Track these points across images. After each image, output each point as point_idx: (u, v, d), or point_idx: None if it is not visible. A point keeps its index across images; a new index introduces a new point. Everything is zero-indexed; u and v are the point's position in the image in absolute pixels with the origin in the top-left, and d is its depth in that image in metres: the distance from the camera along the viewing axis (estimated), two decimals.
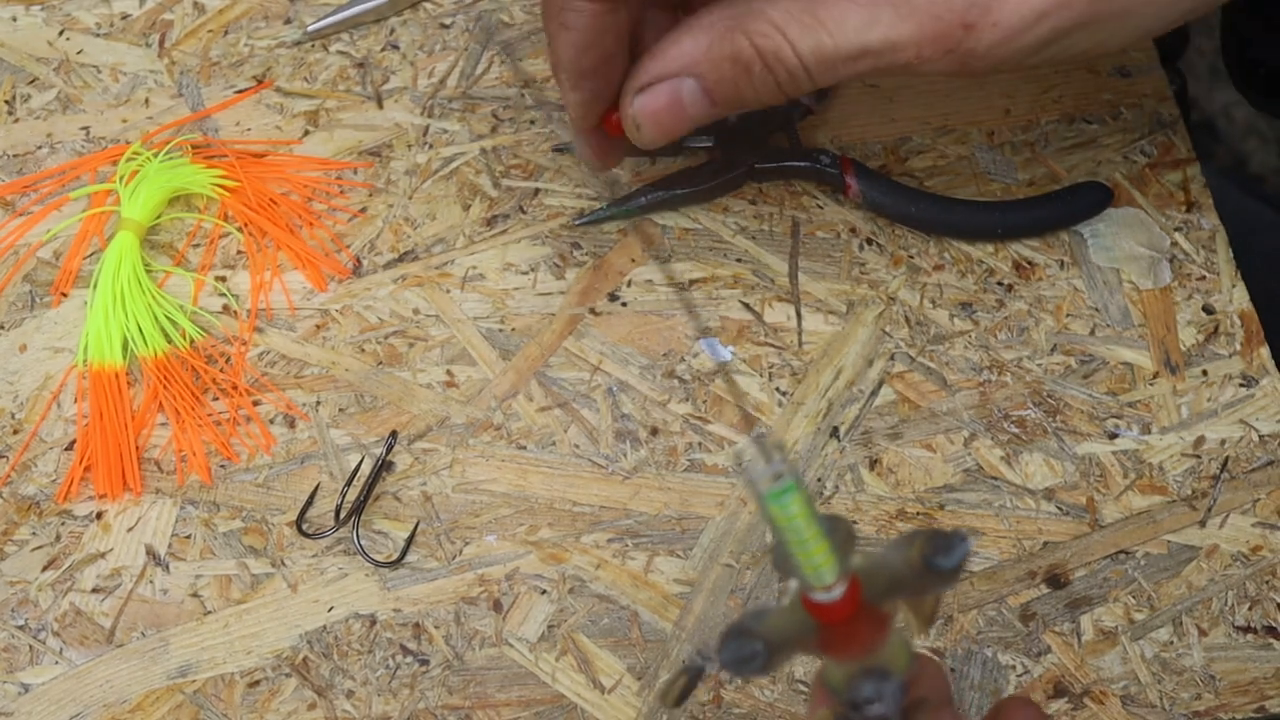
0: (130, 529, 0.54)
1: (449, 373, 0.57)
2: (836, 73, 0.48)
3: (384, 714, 0.51)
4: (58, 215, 0.61)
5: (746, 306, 0.58)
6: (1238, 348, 0.57)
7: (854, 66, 0.47)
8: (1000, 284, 0.58)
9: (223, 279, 0.59)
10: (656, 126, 0.50)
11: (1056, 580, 0.52)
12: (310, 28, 0.65)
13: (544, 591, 0.53)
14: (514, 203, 0.61)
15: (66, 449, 0.56)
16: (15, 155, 0.62)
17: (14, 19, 0.66)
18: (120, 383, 0.57)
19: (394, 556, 0.53)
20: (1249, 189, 0.86)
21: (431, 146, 0.62)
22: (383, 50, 0.65)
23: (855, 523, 0.53)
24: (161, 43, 0.65)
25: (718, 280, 0.59)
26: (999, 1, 0.46)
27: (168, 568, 0.53)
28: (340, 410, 0.56)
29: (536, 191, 0.61)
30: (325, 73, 0.64)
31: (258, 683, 0.51)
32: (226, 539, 0.54)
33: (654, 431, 0.55)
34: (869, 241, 0.59)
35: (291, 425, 0.56)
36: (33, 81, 0.64)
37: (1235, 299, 0.58)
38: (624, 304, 0.58)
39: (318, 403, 0.56)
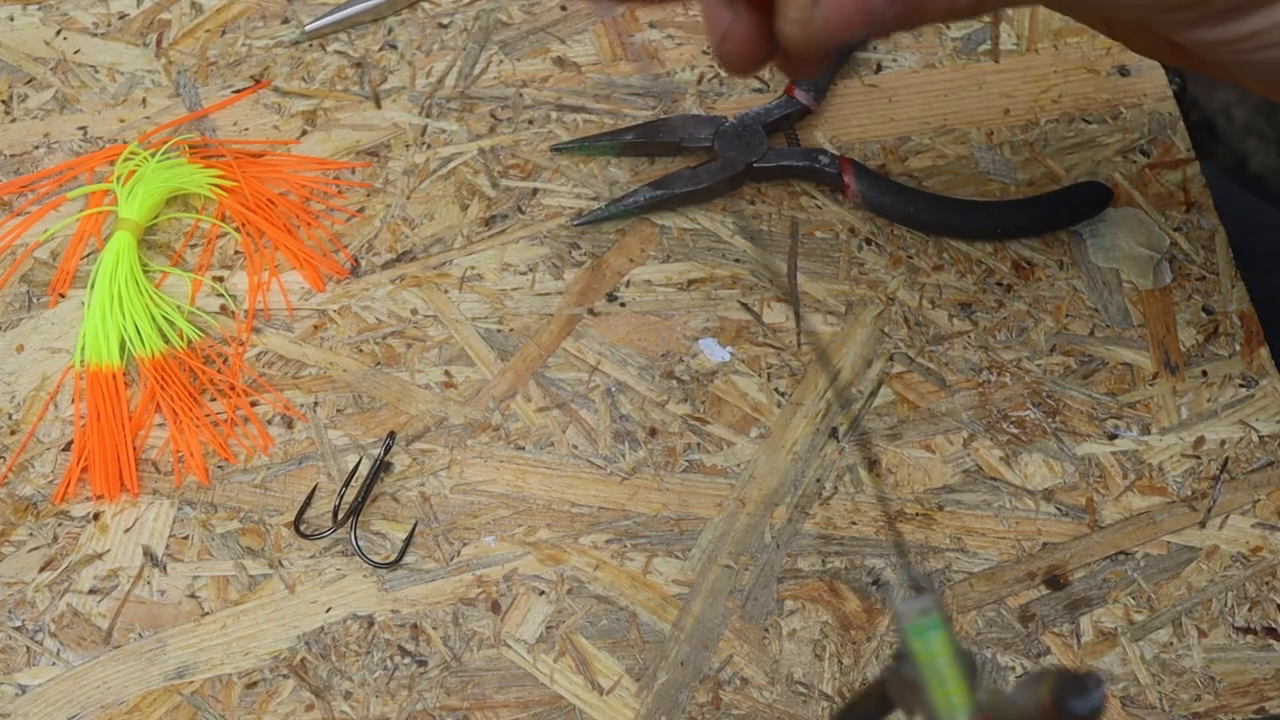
0: (127, 530, 0.54)
1: (447, 373, 0.57)
2: None
3: (382, 715, 0.51)
4: (55, 215, 0.61)
5: (745, 306, 0.58)
6: (1237, 348, 0.56)
7: None
8: (1000, 284, 0.58)
9: (220, 279, 0.59)
10: (839, 8, 0.39)
11: (1056, 581, 0.52)
12: (308, 27, 0.65)
13: (542, 592, 0.53)
14: (512, 203, 0.61)
15: (64, 450, 0.56)
16: (12, 155, 0.62)
17: (11, 18, 0.66)
18: (117, 383, 0.56)
19: (392, 557, 0.53)
20: (1249, 189, 0.85)
21: (429, 146, 0.62)
22: (380, 50, 0.65)
23: (853, 522, 0.53)
24: (159, 42, 0.65)
25: (716, 280, 0.59)
26: None
27: (165, 569, 0.53)
28: (338, 411, 0.56)
29: (535, 191, 0.61)
30: (323, 72, 0.64)
31: (255, 684, 0.51)
32: (224, 540, 0.54)
33: (652, 432, 0.55)
34: (868, 242, 0.59)
35: (289, 426, 0.56)
36: (30, 81, 0.64)
37: (1235, 299, 0.57)
38: (622, 304, 0.58)
39: (315, 403, 0.56)
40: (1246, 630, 0.51)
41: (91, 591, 0.53)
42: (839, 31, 0.39)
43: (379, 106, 0.63)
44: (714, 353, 0.57)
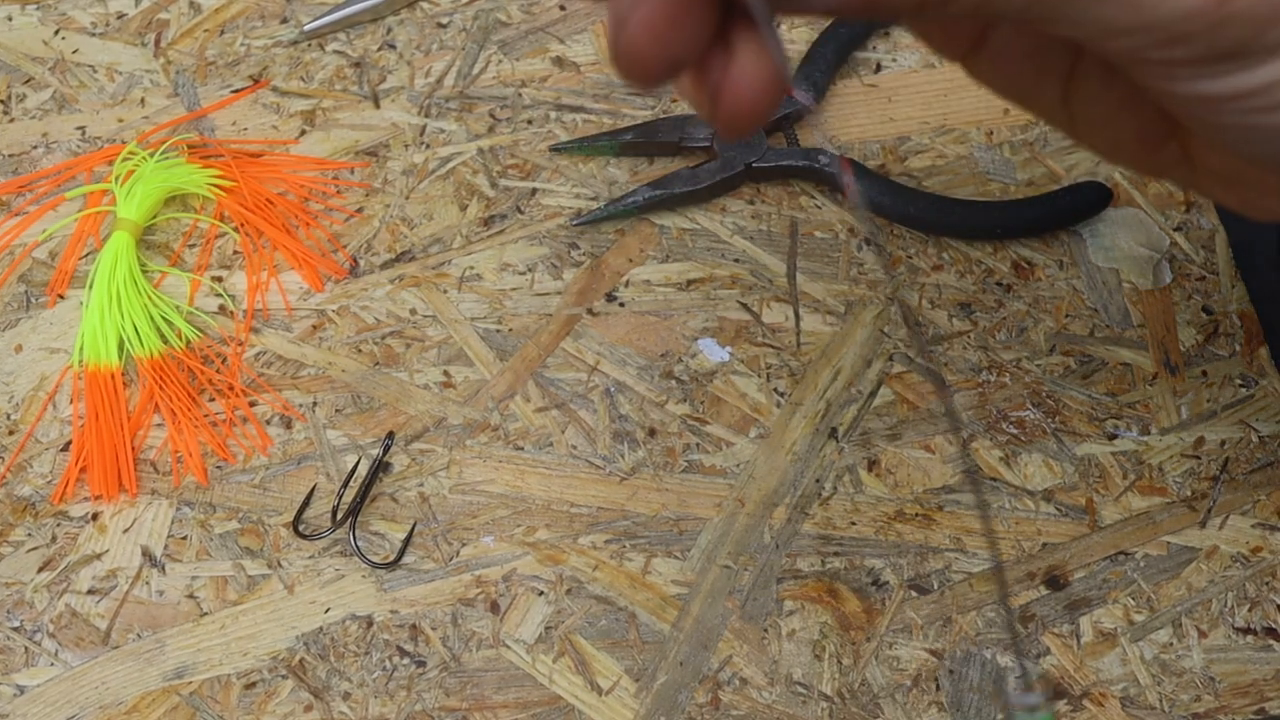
0: (126, 530, 0.54)
1: (446, 373, 0.57)
2: None
3: (381, 715, 0.50)
4: (53, 215, 0.61)
5: (744, 307, 0.58)
6: (1237, 348, 0.56)
7: None
8: (999, 284, 0.58)
9: (219, 279, 0.59)
10: None
11: (1055, 582, 0.52)
12: (307, 27, 0.65)
13: (541, 593, 0.52)
14: (511, 203, 0.60)
15: (62, 450, 0.56)
16: (11, 155, 0.62)
17: (9, 18, 0.66)
18: (116, 383, 0.56)
19: (391, 558, 0.53)
20: None
21: (428, 146, 0.62)
22: (379, 50, 0.65)
23: (853, 522, 0.53)
24: (157, 42, 0.65)
25: (715, 280, 0.58)
26: None
27: (164, 569, 0.53)
28: (337, 411, 0.56)
29: (534, 191, 0.61)
30: (322, 72, 0.64)
31: (254, 684, 0.51)
32: (223, 540, 0.54)
33: (651, 432, 0.55)
34: (867, 242, 0.59)
35: (288, 426, 0.56)
36: (28, 81, 0.64)
37: (1235, 299, 0.57)
38: (621, 304, 0.58)
39: (314, 403, 0.56)
40: (1246, 631, 0.51)
41: (90, 592, 0.53)
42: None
43: (378, 106, 0.63)
44: (713, 353, 0.57)
